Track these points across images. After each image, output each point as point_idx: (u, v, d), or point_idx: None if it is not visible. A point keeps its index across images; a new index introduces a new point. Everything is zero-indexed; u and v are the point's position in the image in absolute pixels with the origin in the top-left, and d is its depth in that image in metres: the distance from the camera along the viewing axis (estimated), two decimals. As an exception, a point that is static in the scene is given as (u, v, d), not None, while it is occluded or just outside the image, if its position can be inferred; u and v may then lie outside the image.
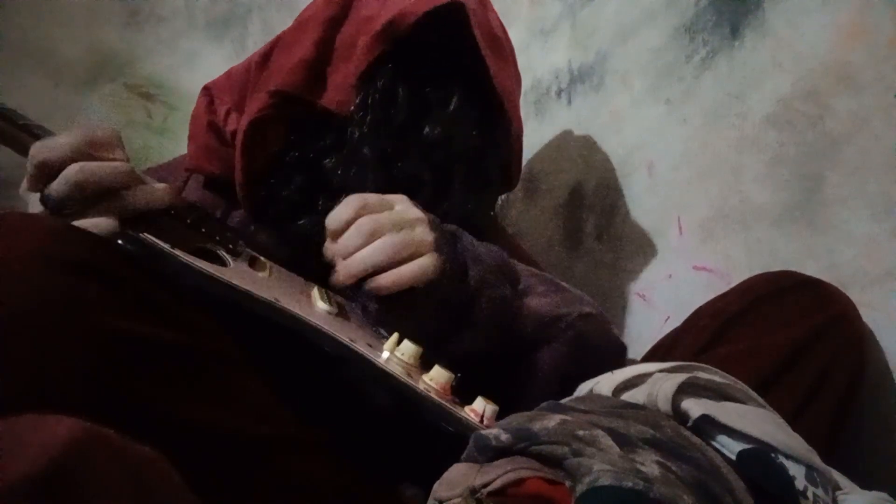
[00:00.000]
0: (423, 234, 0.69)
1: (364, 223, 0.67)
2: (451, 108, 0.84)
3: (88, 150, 0.63)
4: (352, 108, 0.82)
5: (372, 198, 0.70)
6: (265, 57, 0.90)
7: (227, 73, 0.93)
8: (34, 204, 0.64)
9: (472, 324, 0.71)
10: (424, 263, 0.67)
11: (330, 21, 0.86)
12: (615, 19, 1.23)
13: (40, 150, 0.62)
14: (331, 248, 0.69)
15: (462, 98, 0.85)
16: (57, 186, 0.61)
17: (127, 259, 0.55)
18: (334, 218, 0.69)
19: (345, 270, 0.67)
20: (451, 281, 0.69)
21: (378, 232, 0.67)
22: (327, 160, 0.83)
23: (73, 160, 0.62)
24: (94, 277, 0.50)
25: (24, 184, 0.65)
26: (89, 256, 0.51)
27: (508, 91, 0.89)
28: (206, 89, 0.92)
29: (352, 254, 0.67)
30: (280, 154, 0.84)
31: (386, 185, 0.78)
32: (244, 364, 0.59)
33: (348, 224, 0.68)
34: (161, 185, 0.67)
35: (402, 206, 0.71)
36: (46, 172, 0.62)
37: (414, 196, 0.77)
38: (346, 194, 0.74)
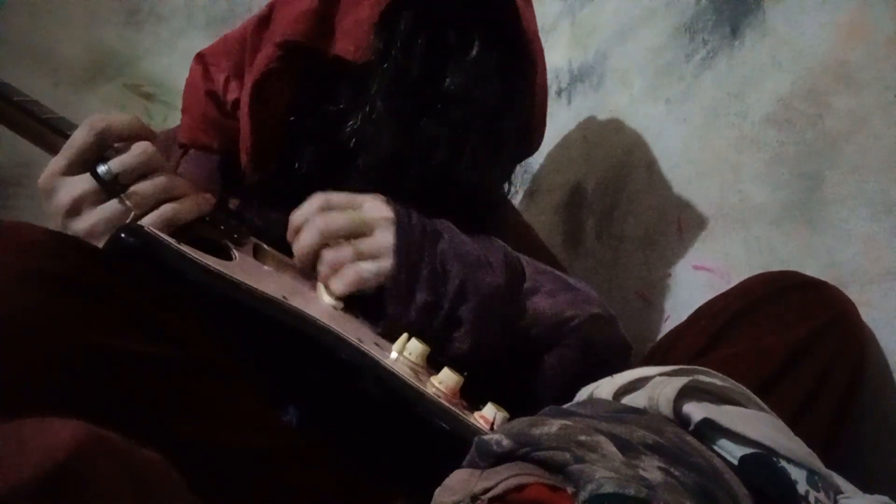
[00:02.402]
0: (383, 238, 0.69)
1: (317, 223, 0.70)
2: (474, 53, 0.79)
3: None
4: (368, 56, 0.76)
5: (337, 197, 0.71)
6: (263, 19, 0.83)
7: (223, 39, 0.87)
8: (71, 186, 0.64)
9: (461, 323, 0.70)
10: (375, 267, 0.69)
11: None
12: (615, 18, 1.23)
13: (103, 119, 0.64)
14: (291, 240, 0.72)
15: (485, 42, 0.79)
16: (124, 157, 0.64)
17: (116, 271, 0.54)
18: (295, 215, 0.71)
19: (301, 267, 0.72)
20: (409, 284, 0.69)
21: (328, 233, 0.69)
22: (344, 122, 0.78)
23: (139, 137, 0.66)
24: (80, 292, 0.49)
25: (57, 168, 0.64)
26: (75, 270, 0.50)
27: (535, 36, 0.84)
28: (200, 56, 0.86)
29: (307, 253, 0.70)
30: (292, 119, 0.79)
31: (403, 147, 0.76)
32: (237, 374, 0.58)
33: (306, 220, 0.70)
34: (207, 196, 0.70)
35: (370, 204, 0.71)
36: (106, 144, 0.64)
37: (429, 158, 0.75)
38: (363, 159, 0.74)
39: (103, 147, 0.64)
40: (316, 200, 0.71)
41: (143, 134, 0.67)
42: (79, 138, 0.64)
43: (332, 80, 0.78)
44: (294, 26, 0.77)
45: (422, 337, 0.66)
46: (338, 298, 0.71)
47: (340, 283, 0.70)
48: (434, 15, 0.78)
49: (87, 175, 0.63)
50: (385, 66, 0.76)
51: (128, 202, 0.63)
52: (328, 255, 0.70)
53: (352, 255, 0.70)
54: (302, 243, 0.71)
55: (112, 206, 0.63)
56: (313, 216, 0.71)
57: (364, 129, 0.76)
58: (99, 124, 0.64)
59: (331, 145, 0.78)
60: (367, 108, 0.77)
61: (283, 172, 0.79)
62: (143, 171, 0.65)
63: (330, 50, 0.77)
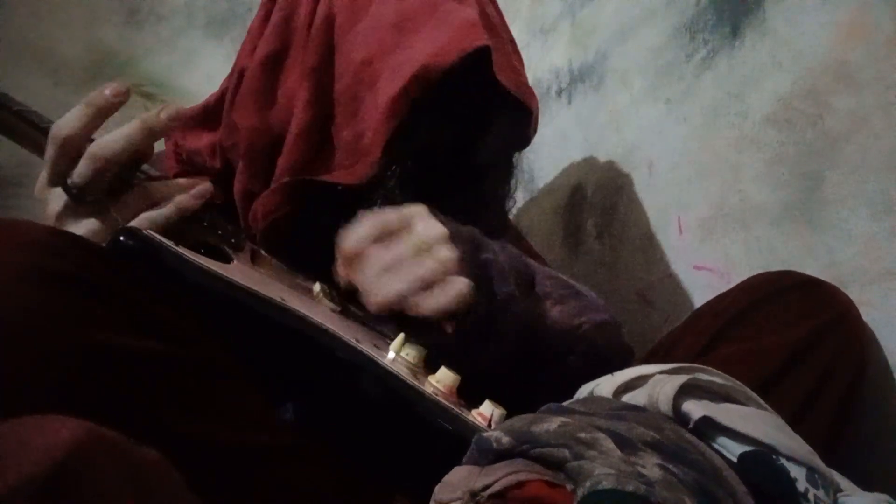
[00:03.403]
0: (447, 254, 0.64)
1: (384, 256, 0.63)
2: (490, 135, 0.78)
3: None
4: (375, 171, 0.73)
5: (390, 217, 0.65)
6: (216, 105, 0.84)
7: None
8: (55, 200, 0.63)
9: (498, 339, 0.68)
10: (459, 290, 0.63)
11: (315, 72, 0.77)
12: (615, 18, 1.23)
13: (59, 126, 0.61)
14: (346, 273, 0.65)
15: (495, 121, 0.79)
16: (79, 169, 0.61)
17: (117, 269, 0.54)
18: (351, 240, 0.64)
19: (375, 302, 0.63)
20: (481, 302, 0.65)
21: (398, 263, 0.63)
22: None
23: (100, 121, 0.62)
24: (81, 289, 0.49)
25: (43, 180, 0.63)
26: (77, 268, 0.50)
27: (531, 102, 0.81)
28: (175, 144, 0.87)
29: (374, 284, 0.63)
30: (307, 232, 0.76)
31: None
32: (238, 372, 0.58)
33: (362, 248, 0.64)
34: (198, 191, 0.67)
35: (422, 223, 0.66)
36: (73, 153, 0.61)
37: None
38: None
39: (71, 156, 0.61)
40: (371, 224, 0.65)
41: (99, 121, 0.63)
42: (48, 151, 0.62)
43: (339, 197, 0.75)
44: (291, 155, 0.75)
45: (455, 350, 0.66)
46: (335, 303, 0.70)
47: (443, 297, 0.63)
48: (439, 122, 0.76)
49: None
50: (391, 184, 0.74)
51: (100, 216, 0.62)
52: (398, 286, 0.63)
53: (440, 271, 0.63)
54: (368, 274, 0.63)
55: (88, 223, 0.62)
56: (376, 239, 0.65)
57: None
58: (58, 133, 0.61)
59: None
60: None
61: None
62: (104, 177, 0.62)
63: (329, 168, 0.75)
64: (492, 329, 0.68)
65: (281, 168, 0.76)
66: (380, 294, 0.62)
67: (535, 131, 0.88)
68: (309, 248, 0.76)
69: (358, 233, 0.64)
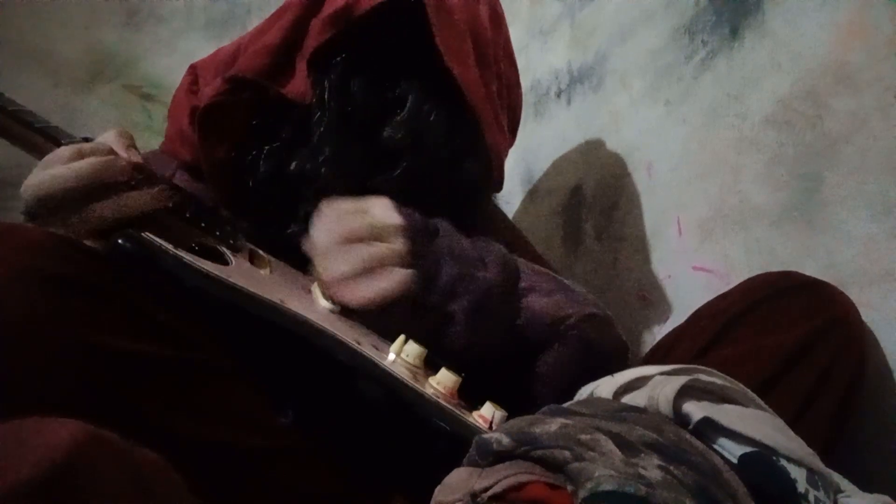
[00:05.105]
0: (397, 245, 0.67)
1: (337, 230, 0.67)
2: (408, 109, 0.79)
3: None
4: (309, 98, 0.77)
5: (346, 205, 0.69)
6: (258, 34, 0.84)
7: (215, 52, 0.88)
8: None
9: (454, 321, 0.70)
10: (394, 280, 0.66)
11: (305, 6, 0.81)
12: (615, 19, 1.23)
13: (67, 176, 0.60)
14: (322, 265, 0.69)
15: (422, 100, 0.79)
16: (24, 191, 0.61)
17: (116, 272, 0.54)
18: (313, 232, 0.69)
19: (325, 281, 0.68)
20: (422, 289, 0.68)
21: (350, 238, 0.67)
22: (295, 161, 0.78)
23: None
24: (80, 292, 0.49)
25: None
26: (76, 271, 0.50)
27: (479, 96, 0.81)
28: (192, 68, 0.87)
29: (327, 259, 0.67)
30: (245, 144, 0.79)
31: (359, 192, 0.73)
32: (237, 374, 0.58)
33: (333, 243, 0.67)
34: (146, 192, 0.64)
35: (379, 210, 0.69)
36: None
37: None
38: (320, 196, 0.72)
39: None
40: (327, 213, 0.69)
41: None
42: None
43: (281, 117, 0.78)
44: (250, 61, 0.78)
45: (415, 334, 0.66)
46: (334, 302, 0.71)
47: (351, 299, 0.67)
48: (370, 68, 0.78)
49: None
50: (318, 113, 0.77)
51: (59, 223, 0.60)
52: (340, 266, 0.67)
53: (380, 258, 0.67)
54: (334, 272, 0.68)
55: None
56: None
57: (316, 168, 0.77)
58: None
59: (282, 178, 0.78)
60: (314, 150, 0.77)
61: (245, 193, 0.79)
62: (49, 205, 0.60)
63: (281, 88, 0.77)
64: (445, 312, 0.69)
65: (235, 70, 0.78)
66: (325, 273, 0.67)
67: (496, 163, 0.87)
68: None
69: (324, 221, 0.68)
